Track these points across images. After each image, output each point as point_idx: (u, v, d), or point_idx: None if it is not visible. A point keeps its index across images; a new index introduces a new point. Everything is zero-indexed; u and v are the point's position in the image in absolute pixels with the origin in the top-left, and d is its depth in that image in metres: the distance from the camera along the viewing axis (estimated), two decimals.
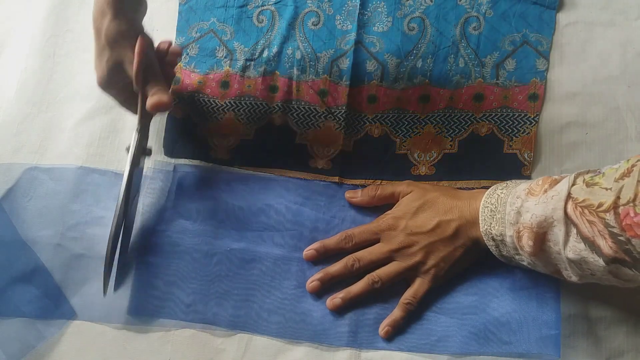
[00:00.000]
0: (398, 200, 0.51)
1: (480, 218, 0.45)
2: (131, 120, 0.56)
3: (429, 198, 0.49)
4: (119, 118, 0.56)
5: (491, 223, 0.44)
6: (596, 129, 0.53)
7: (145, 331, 0.50)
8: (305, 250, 0.51)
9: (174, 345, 0.50)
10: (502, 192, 0.45)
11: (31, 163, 0.55)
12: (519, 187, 0.44)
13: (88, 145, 0.55)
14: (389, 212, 0.50)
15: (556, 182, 0.42)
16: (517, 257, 0.44)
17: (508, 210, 0.43)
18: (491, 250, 0.46)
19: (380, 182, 0.53)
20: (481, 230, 0.45)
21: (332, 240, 0.51)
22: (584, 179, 0.40)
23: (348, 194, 0.53)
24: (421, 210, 0.48)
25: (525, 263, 0.45)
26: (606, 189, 0.37)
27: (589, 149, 0.53)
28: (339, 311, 0.49)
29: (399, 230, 0.48)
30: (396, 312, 0.48)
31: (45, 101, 0.57)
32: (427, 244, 0.47)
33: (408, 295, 0.48)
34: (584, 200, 0.38)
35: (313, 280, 0.50)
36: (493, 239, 0.45)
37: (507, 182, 0.47)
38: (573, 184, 0.40)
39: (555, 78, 0.55)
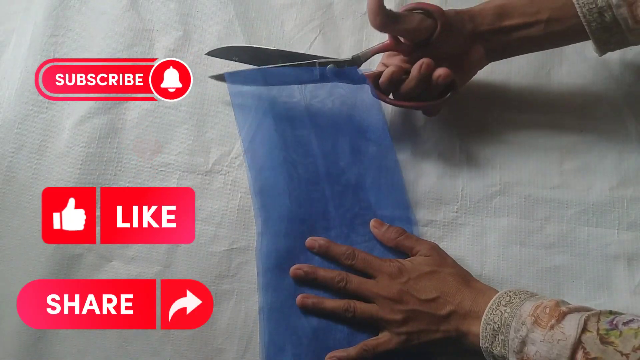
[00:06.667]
0: (414, 255, 0.49)
1: (481, 334, 0.43)
2: (131, 120, 0.56)
3: (442, 271, 0.47)
4: (119, 117, 0.56)
5: (492, 342, 0.42)
6: (596, 129, 0.53)
7: (146, 331, 0.50)
8: (310, 239, 0.51)
9: (174, 345, 0.50)
10: (505, 311, 0.42)
11: None
12: (524, 309, 0.41)
13: (88, 145, 0.55)
14: (400, 260, 0.49)
15: (564, 315, 0.39)
16: None
17: (512, 336, 0.40)
18: None
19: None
20: (481, 346, 0.43)
21: (337, 248, 0.50)
22: (598, 329, 0.37)
23: (374, 223, 0.51)
24: (428, 277, 0.47)
25: None
26: (622, 353, 0.35)
27: (589, 149, 0.53)
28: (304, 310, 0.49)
29: (397, 282, 0.47)
30: (351, 351, 0.47)
31: (45, 101, 0.57)
32: (414, 311, 0.46)
33: (370, 343, 0.47)
34: (595, 358, 0.36)
35: (300, 267, 0.50)
36: (494, 358, 0.43)
37: (511, 293, 0.44)
38: (584, 329, 0.37)
39: (555, 78, 0.55)
